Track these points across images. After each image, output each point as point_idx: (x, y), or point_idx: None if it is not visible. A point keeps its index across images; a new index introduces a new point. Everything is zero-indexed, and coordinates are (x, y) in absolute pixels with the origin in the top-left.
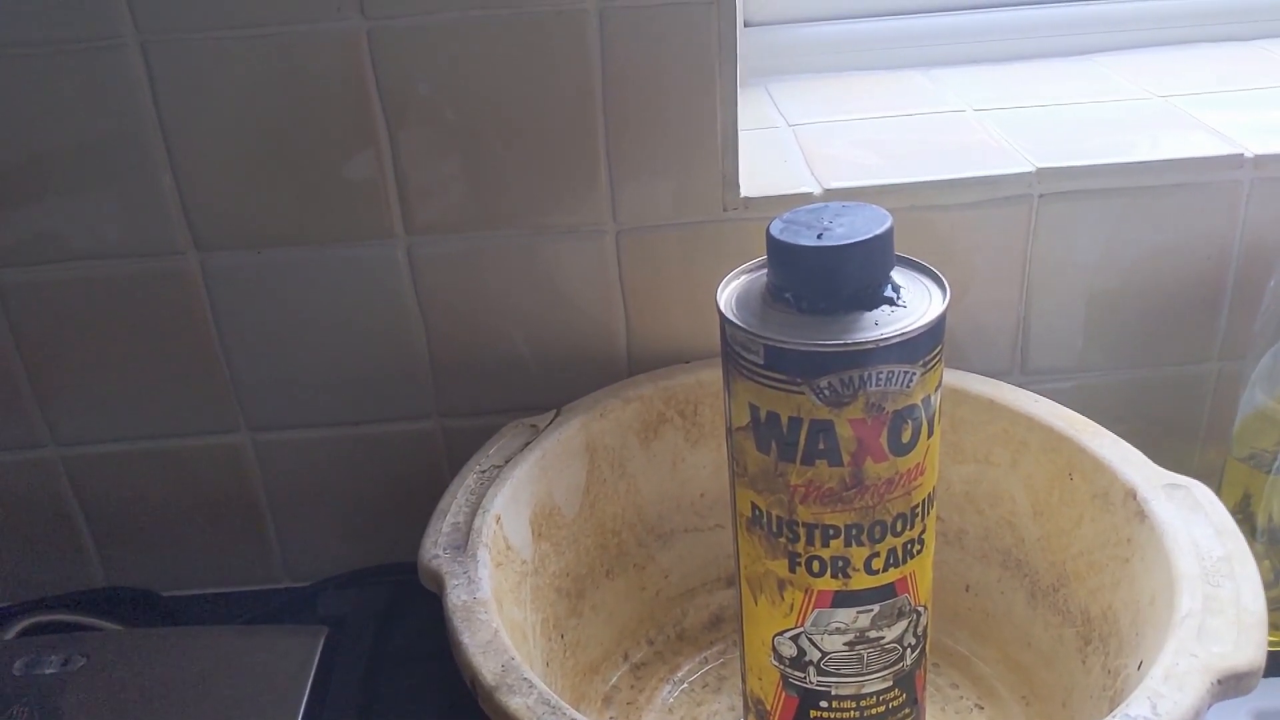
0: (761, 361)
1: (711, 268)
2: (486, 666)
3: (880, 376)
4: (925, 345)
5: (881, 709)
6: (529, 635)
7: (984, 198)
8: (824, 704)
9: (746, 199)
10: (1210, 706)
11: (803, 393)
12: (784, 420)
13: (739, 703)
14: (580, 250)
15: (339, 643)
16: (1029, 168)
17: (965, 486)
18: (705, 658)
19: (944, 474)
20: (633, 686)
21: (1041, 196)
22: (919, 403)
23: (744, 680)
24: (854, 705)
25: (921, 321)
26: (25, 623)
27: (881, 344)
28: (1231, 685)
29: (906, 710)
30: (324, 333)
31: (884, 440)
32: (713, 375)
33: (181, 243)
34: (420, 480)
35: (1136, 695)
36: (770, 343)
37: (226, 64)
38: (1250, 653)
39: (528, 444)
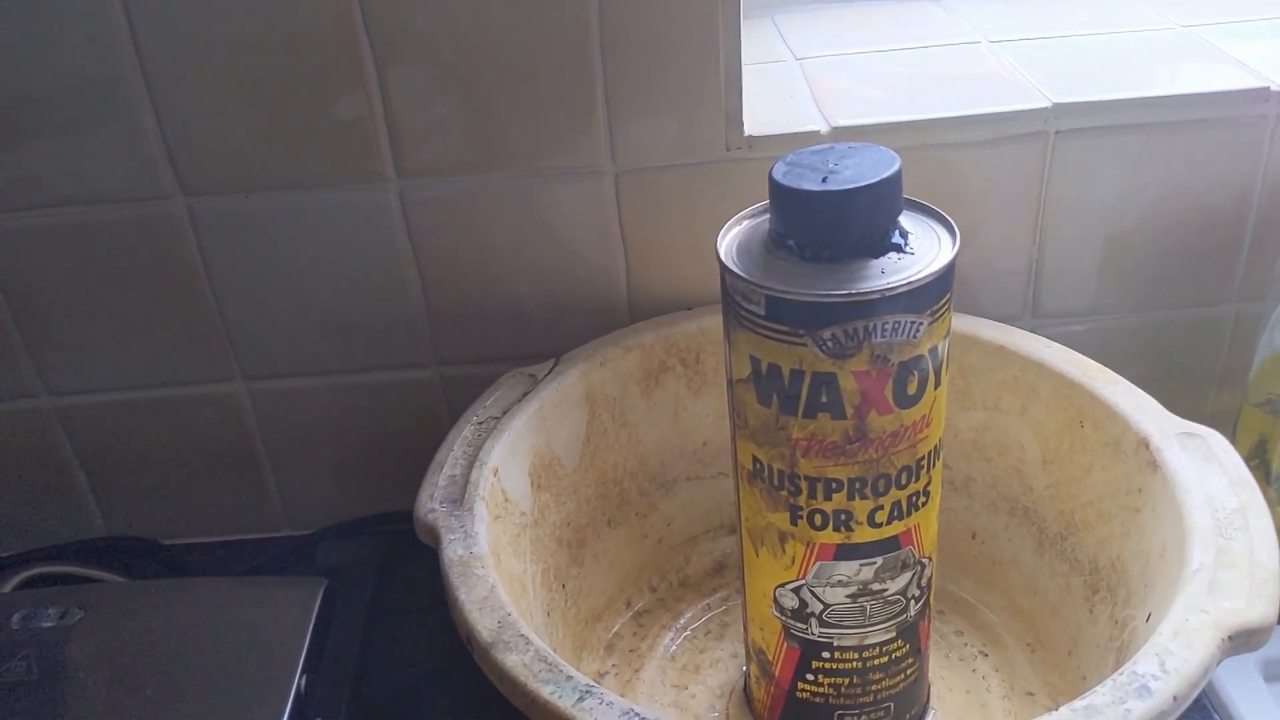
0: (763, 312)
1: (714, 210)
2: (482, 623)
3: (886, 327)
4: (933, 294)
5: (884, 659)
6: (528, 587)
7: (998, 135)
8: (826, 655)
9: (750, 138)
10: (1220, 662)
11: (805, 344)
12: (785, 373)
13: (741, 650)
14: (578, 193)
15: (338, 593)
16: (1045, 103)
17: (974, 434)
18: (708, 604)
19: (952, 421)
20: (635, 634)
21: (1058, 133)
22: (925, 353)
23: (746, 630)
24: (856, 656)
25: (929, 270)
26: (24, 574)
27: (887, 294)
28: (1242, 641)
29: (910, 660)
30: (317, 279)
31: (889, 393)
32: (715, 322)
33: (168, 187)
34: (419, 428)
35: (1145, 651)
36: (771, 293)
37: None
38: (1262, 609)
39: (526, 394)
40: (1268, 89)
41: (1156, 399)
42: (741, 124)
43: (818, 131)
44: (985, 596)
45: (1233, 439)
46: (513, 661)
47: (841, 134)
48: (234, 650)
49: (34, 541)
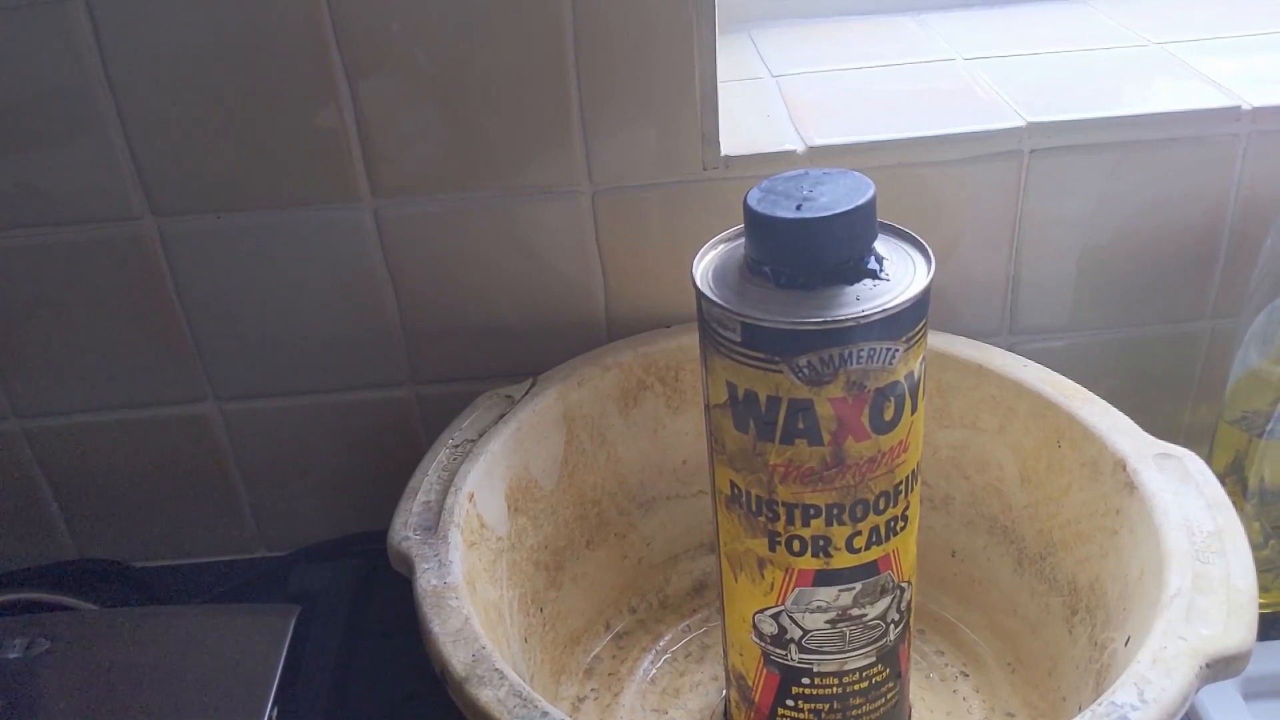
0: (739, 339)
1: (691, 229)
2: (456, 656)
3: (861, 354)
4: (909, 321)
5: (864, 684)
6: (505, 613)
7: (974, 154)
8: (806, 681)
9: (727, 157)
10: (1198, 690)
11: (781, 371)
12: (762, 399)
13: (721, 673)
14: (555, 211)
15: (312, 620)
16: (1019, 122)
17: (952, 452)
18: (688, 625)
19: (931, 439)
20: (614, 657)
21: (1033, 152)
22: (901, 379)
23: (725, 655)
24: (836, 681)
25: (904, 296)
26: None
27: (863, 321)
28: (1220, 669)
29: (890, 684)
30: (290, 300)
31: (865, 419)
32: (693, 341)
33: (137, 207)
34: (396, 448)
35: (1123, 680)
36: (747, 320)
37: (174, 13)
38: (1240, 635)
39: (503, 416)
40: (1239, 108)
41: (1133, 415)
42: (718, 144)
43: (794, 151)
44: (966, 615)
45: (1209, 455)
46: (487, 697)
47: (818, 153)
48: (204, 681)
49: (2, 566)
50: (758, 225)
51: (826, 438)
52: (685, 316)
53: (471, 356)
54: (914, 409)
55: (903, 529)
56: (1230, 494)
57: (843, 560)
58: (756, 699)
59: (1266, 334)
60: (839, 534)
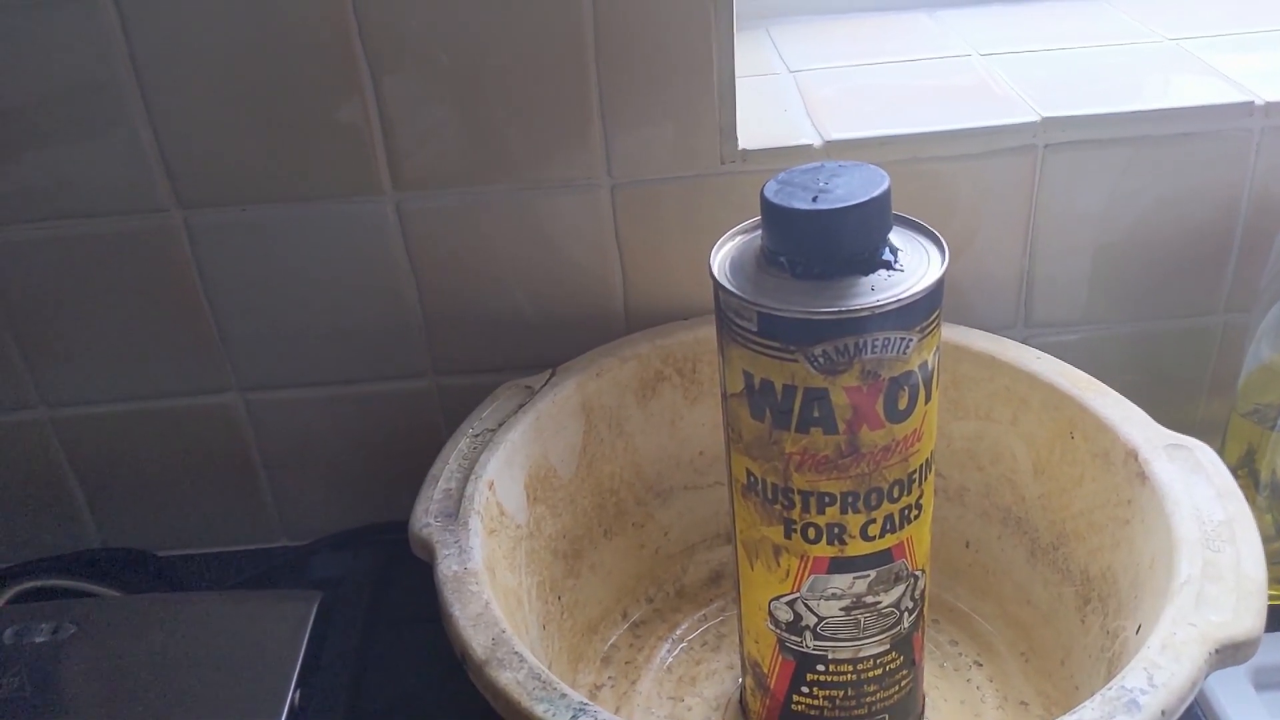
0: (755, 328)
1: (710, 222)
2: (477, 640)
3: (876, 344)
4: (923, 311)
5: (879, 672)
6: (524, 600)
7: (988, 149)
8: (821, 668)
9: (745, 151)
10: (1208, 676)
11: (797, 360)
12: (778, 388)
13: (737, 661)
14: (575, 205)
15: (333, 606)
16: (1034, 117)
17: (966, 443)
18: (704, 615)
19: (945, 430)
20: (631, 645)
21: (1047, 147)
22: (916, 369)
23: (741, 642)
24: (851, 669)
25: (919, 286)
26: (18, 588)
27: (878, 311)
28: (1229, 654)
29: (904, 672)
30: (314, 291)
31: (880, 408)
32: (711, 333)
33: (164, 200)
34: (416, 438)
35: (1133, 666)
36: (764, 309)
37: (201, 8)
38: (1249, 622)
39: (522, 406)
40: (1252, 103)
41: (1147, 408)
42: (735, 137)
43: (811, 145)
44: (979, 605)
45: (1222, 448)
46: (506, 679)
47: (834, 147)
48: (227, 665)
49: (29, 553)
50: (774, 216)
51: (841, 426)
52: (703, 309)
53: (491, 348)
54: (928, 398)
55: (916, 517)
56: (1242, 487)
57: (857, 548)
58: (772, 686)
59: (1279, 328)
60: (853, 522)
